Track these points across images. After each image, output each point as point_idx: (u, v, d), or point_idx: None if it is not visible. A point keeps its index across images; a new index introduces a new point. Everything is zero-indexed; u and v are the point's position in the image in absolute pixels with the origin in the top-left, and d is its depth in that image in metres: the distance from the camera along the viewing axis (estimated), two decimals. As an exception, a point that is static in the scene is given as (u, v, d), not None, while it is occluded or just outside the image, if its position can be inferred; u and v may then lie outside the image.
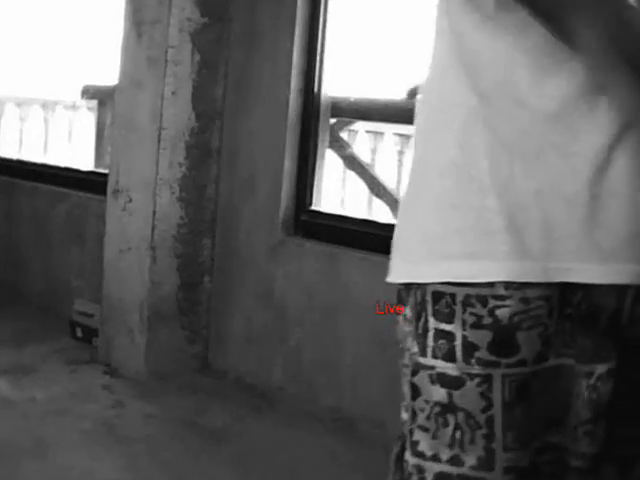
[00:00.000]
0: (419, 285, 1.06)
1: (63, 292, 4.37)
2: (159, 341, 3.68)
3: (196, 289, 3.77)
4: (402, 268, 1.09)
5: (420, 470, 1.05)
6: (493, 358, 1.02)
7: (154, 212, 3.62)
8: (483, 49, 1.02)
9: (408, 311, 1.08)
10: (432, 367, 1.04)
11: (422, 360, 1.05)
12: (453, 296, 1.02)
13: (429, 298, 1.04)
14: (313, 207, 3.61)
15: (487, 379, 1.01)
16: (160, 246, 3.64)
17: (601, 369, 1.04)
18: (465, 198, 1.02)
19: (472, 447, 1.02)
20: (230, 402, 3.47)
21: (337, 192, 4.95)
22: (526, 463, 1.03)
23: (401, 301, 1.10)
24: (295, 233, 3.59)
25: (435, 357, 1.03)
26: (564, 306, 1.03)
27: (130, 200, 3.70)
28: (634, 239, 1.02)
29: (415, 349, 1.06)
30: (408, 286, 1.08)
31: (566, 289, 1.03)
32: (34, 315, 4.36)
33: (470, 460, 1.02)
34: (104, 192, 3.87)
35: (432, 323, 1.04)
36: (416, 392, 1.06)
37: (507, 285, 1.01)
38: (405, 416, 1.08)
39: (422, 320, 1.05)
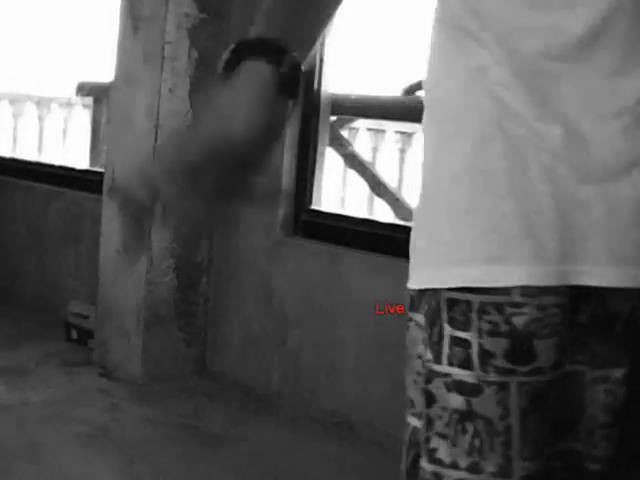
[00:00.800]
0: (433, 291, 1.06)
1: (58, 293, 4.37)
2: (156, 343, 3.68)
3: (193, 290, 3.77)
4: (417, 275, 1.10)
5: (438, 477, 1.06)
6: (510, 366, 1.02)
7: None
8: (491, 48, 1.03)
9: (421, 318, 1.09)
10: (448, 374, 1.05)
11: (437, 367, 1.06)
12: (469, 303, 1.03)
13: (444, 305, 1.05)
14: (313, 206, 3.62)
15: (504, 387, 1.02)
16: (156, 246, 3.64)
17: (617, 373, 1.06)
18: (480, 203, 1.03)
19: (491, 454, 1.03)
20: (228, 405, 3.48)
21: (337, 191, 4.96)
22: (540, 472, 1.04)
23: (413, 307, 1.11)
24: (294, 233, 3.59)
25: (451, 364, 1.04)
26: (576, 313, 1.04)
27: (126, 199, 3.70)
28: None
29: (429, 356, 1.07)
30: (421, 292, 1.09)
31: (579, 296, 1.04)
32: (28, 317, 4.36)
33: (489, 467, 1.03)
34: (100, 191, 3.87)
35: (447, 330, 1.05)
36: (431, 399, 1.06)
37: (524, 292, 1.02)
38: (418, 423, 1.09)
39: (437, 327, 1.06)
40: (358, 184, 4.97)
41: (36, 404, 3.32)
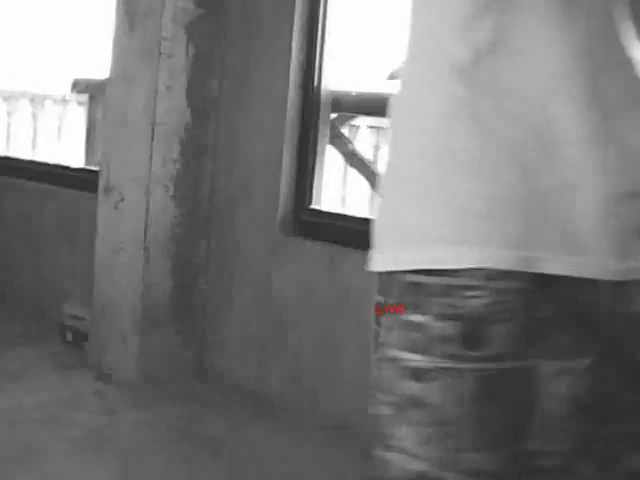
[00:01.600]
0: (390, 273, 1.06)
1: (52, 294, 4.38)
2: (152, 345, 3.68)
3: (191, 291, 3.77)
4: (376, 256, 1.09)
5: (388, 464, 1.05)
6: (464, 351, 1.01)
7: (147, 211, 3.62)
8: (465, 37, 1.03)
9: (381, 300, 1.09)
10: (401, 359, 1.04)
11: (393, 352, 1.05)
12: (425, 286, 1.03)
13: (401, 287, 1.05)
14: (313, 206, 3.62)
15: (456, 373, 1.01)
16: (154, 246, 3.64)
17: (577, 365, 1.04)
18: (439, 183, 1.03)
19: (438, 444, 1.02)
20: (226, 409, 3.48)
21: (338, 190, 4.96)
22: (494, 467, 1.03)
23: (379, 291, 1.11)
24: (294, 233, 3.60)
25: (405, 349, 1.04)
26: (539, 302, 1.03)
27: (122, 199, 3.71)
28: (612, 233, 1.03)
29: (386, 340, 1.06)
30: (383, 274, 1.08)
31: (542, 283, 1.03)
32: (22, 318, 4.36)
33: (435, 456, 1.02)
34: (95, 190, 3.88)
35: (403, 313, 1.04)
36: (386, 384, 1.06)
37: (481, 275, 1.01)
38: (380, 410, 1.08)
39: (393, 310, 1.06)
40: (359, 183, 4.97)
41: (30, 407, 3.32)
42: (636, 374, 1.06)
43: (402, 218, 1.06)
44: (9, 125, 6.43)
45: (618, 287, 1.04)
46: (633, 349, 1.06)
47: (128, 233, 3.69)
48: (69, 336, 4.07)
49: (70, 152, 5.80)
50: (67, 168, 4.73)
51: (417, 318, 1.03)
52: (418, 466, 1.03)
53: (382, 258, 1.08)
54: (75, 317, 4.08)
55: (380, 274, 1.09)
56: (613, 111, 1.02)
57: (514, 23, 1.02)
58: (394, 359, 1.05)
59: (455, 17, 1.04)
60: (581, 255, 1.02)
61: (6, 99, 6.48)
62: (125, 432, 3.20)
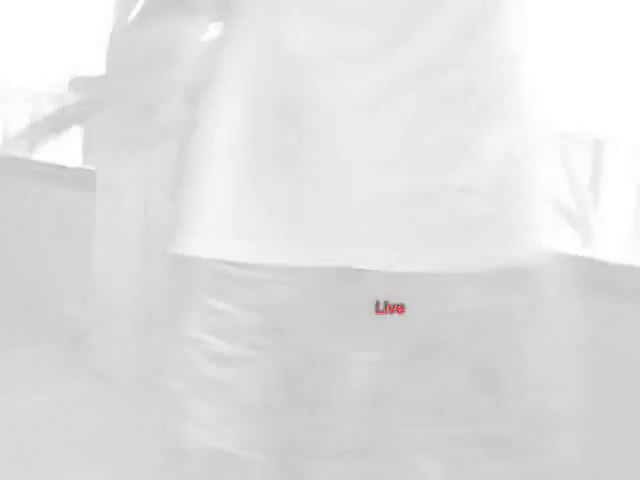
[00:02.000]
0: (193, 259, 1.10)
1: (50, 294, 4.38)
2: (152, 346, 3.68)
3: (190, 291, 3.77)
4: (182, 240, 1.14)
5: (193, 439, 1.10)
6: (263, 341, 1.06)
7: (146, 210, 3.62)
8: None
9: (177, 284, 1.12)
10: (204, 343, 1.08)
11: (194, 333, 1.10)
12: (228, 275, 1.07)
13: (204, 274, 1.09)
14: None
15: (256, 361, 1.06)
16: (153, 246, 3.64)
17: (378, 356, 1.06)
18: (248, 177, 1.06)
19: (237, 425, 1.07)
20: (226, 411, 3.48)
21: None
22: (291, 446, 1.07)
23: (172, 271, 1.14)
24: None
25: (208, 333, 1.08)
26: (341, 295, 1.06)
27: (121, 198, 3.71)
28: (416, 227, 1.04)
29: (185, 323, 1.12)
30: (181, 257, 1.13)
31: (346, 276, 1.05)
32: (19, 319, 4.36)
33: (233, 437, 1.06)
34: (93, 189, 3.88)
35: (205, 300, 1.09)
36: (189, 364, 1.10)
37: (283, 268, 1.04)
38: (176, 385, 1.12)
39: (194, 295, 1.10)
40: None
41: (28, 408, 3.32)
42: (480, 374, 1.07)
43: (209, 208, 1.09)
44: (6, 123, 6.44)
45: (438, 286, 1.05)
46: (468, 349, 1.07)
47: (127, 232, 3.69)
48: (67, 337, 4.07)
49: (68, 151, 5.81)
50: (64, 167, 4.74)
51: (221, 306, 1.07)
52: (217, 443, 1.08)
53: (189, 242, 1.12)
54: (73, 318, 4.08)
55: (181, 257, 1.13)
56: (415, 116, 1.03)
57: None
58: (196, 341, 1.10)
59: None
60: (385, 249, 1.04)
61: (2, 96, 6.49)
62: (124, 434, 3.20)
